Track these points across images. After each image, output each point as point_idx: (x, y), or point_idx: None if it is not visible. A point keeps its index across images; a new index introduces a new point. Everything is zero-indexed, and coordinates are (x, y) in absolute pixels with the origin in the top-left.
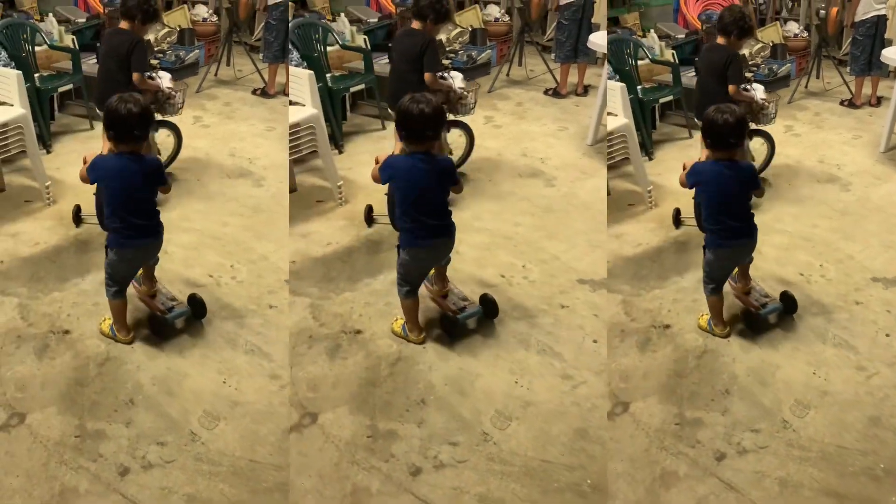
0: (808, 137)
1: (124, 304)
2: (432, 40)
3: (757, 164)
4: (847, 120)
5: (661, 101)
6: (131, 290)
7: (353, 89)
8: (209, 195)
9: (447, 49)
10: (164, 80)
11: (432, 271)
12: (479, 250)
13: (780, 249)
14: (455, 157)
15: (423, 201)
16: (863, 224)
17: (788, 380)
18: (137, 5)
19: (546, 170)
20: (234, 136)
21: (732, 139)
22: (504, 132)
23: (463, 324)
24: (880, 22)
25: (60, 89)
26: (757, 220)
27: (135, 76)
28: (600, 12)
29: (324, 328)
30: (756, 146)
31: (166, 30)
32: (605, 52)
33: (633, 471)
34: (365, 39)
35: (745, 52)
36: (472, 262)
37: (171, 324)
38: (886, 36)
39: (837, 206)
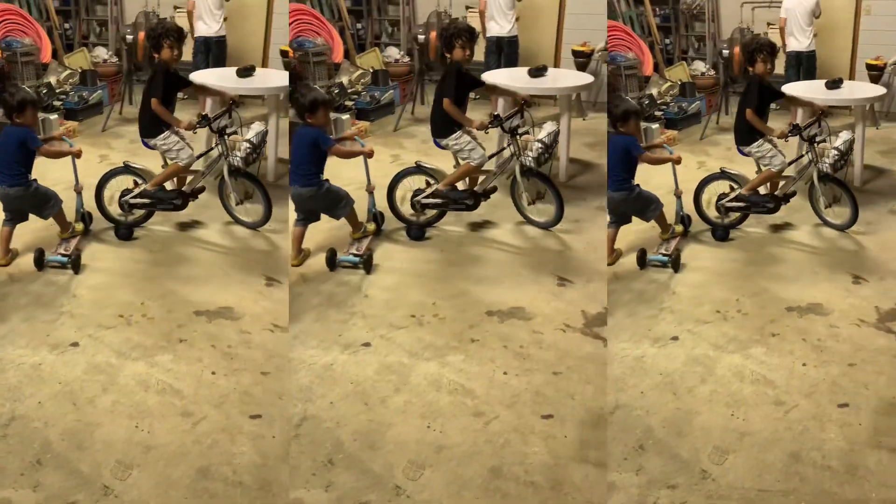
0: None
1: (6, 234)
2: (449, 69)
3: (838, 220)
4: None
5: None
6: None
7: None
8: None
9: (349, 91)
10: (250, 132)
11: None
12: (389, 291)
13: (696, 287)
14: (543, 214)
15: (297, 157)
16: (777, 255)
17: (706, 426)
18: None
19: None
20: None
21: (623, 123)
22: None
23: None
24: (801, 56)
25: None
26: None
27: (151, 101)
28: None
29: None
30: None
31: (68, 72)
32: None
33: None
34: None
35: (654, 91)
36: (381, 304)
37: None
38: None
39: (753, 238)
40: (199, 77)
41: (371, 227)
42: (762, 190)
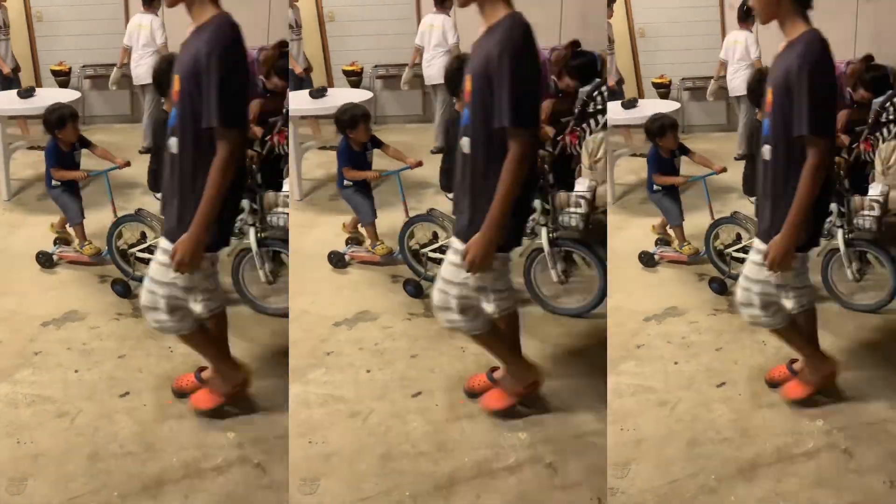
0: None
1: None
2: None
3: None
4: None
5: None
6: None
7: None
8: None
9: None
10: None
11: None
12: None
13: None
14: (577, 295)
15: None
16: (619, 273)
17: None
18: None
19: None
20: None
21: (661, 137)
22: None
23: None
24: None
25: None
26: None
27: None
28: None
29: None
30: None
31: None
32: None
33: None
34: None
35: None
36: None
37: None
38: None
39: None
40: None
41: (380, 250)
42: None
